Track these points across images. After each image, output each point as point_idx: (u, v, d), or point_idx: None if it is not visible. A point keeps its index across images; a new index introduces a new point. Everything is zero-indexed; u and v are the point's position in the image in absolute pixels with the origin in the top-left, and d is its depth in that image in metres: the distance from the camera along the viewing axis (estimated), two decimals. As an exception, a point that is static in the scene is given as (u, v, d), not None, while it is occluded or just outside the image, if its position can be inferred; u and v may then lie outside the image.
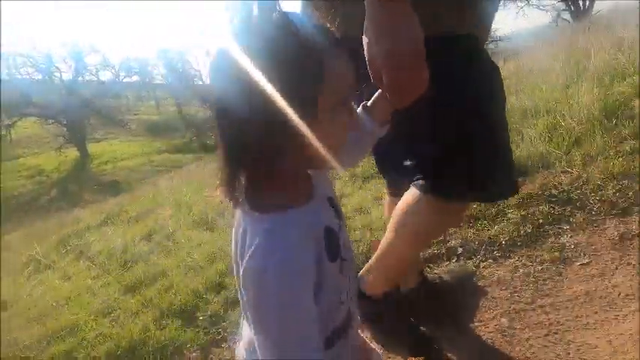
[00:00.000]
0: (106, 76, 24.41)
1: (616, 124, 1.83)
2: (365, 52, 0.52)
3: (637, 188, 1.38)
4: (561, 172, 1.66)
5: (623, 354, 0.86)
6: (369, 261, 0.93)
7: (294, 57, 0.39)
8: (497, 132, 0.73)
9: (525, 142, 2.01)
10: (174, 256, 2.64)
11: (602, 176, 1.49)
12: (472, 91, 0.67)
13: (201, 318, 1.64)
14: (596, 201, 1.38)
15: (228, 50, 0.40)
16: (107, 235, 4.01)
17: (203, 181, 7.20)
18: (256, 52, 0.39)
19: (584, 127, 1.93)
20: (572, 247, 1.26)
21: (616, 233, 1.23)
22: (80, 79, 21.88)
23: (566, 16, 22.06)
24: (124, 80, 25.87)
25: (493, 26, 0.85)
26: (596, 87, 2.32)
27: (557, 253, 1.24)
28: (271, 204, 0.44)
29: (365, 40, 0.51)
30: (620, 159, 1.54)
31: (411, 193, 0.77)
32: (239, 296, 0.48)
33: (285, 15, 0.40)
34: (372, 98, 0.57)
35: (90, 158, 19.47)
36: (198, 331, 1.55)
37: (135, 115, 26.85)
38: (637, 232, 1.22)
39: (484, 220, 1.55)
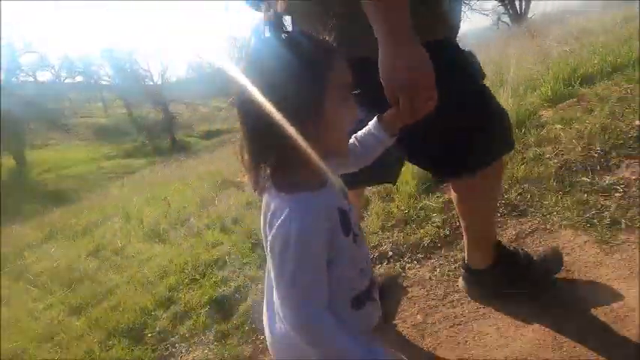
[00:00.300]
0: (44, 76, 22.58)
1: (524, 133, 2.08)
2: (382, 78, 0.61)
3: (536, 192, 1.61)
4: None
5: (507, 338, 1.04)
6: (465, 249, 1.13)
7: (306, 60, 0.50)
8: (491, 102, 0.91)
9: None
10: (123, 272, 2.59)
11: (509, 181, 1.71)
12: (468, 80, 0.84)
13: (149, 335, 1.66)
14: (501, 204, 1.59)
15: (258, 54, 0.51)
16: (50, 252, 3.80)
17: (157, 187, 6.97)
18: (276, 58, 0.50)
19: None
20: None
21: (514, 232, 1.44)
22: (14, 79, 20.07)
23: (506, 19, 23.65)
24: (66, 81, 24.10)
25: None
26: (511, 97, 2.61)
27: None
28: (293, 187, 0.55)
29: (381, 67, 0.61)
30: (524, 165, 1.77)
31: (459, 184, 0.98)
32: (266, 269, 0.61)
33: (295, 29, 0.52)
34: (386, 113, 0.66)
35: (29, 167, 17.95)
36: (146, 349, 1.57)
37: (81, 118, 25.09)
38: (531, 230, 1.43)
39: (412, 224, 1.72)
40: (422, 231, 1.64)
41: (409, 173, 2.17)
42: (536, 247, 1.36)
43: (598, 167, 1.59)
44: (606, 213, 1.34)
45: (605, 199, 1.41)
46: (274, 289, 0.56)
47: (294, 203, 0.53)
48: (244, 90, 0.52)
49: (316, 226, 0.54)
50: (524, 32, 8.32)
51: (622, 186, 1.45)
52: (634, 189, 1.41)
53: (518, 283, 1.11)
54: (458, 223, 1.60)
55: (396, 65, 0.60)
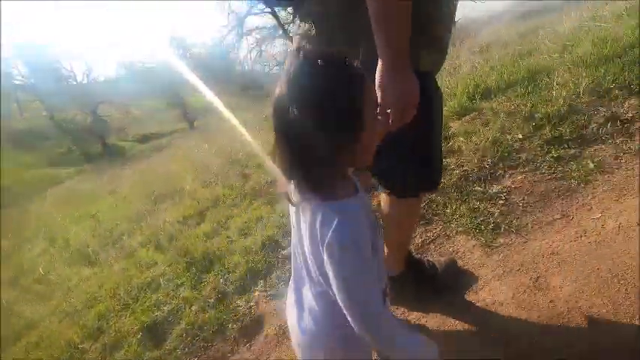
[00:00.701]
0: (-61, 75, 19.51)
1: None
2: (380, 91, 0.75)
3: (440, 201, 1.84)
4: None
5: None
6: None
7: (347, 81, 0.58)
8: (437, 146, 1.04)
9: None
10: (46, 302, 2.43)
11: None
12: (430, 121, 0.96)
13: (75, 371, 1.62)
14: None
15: (301, 77, 0.57)
16: (-44, 285, 3.39)
17: (85, 201, 6.45)
18: (319, 80, 0.57)
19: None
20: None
21: (420, 240, 1.65)
22: None
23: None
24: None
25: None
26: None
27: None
28: (336, 195, 0.62)
29: (381, 84, 0.75)
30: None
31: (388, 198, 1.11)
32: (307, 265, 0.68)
33: (331, 55, 0.59)
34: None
35: None
36: (72, 387, 1.53)
37: (-11, 122, 22.07)
38: (434, 237, 1.65)
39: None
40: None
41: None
42: (438, 252, 1.57)
43: (489, 177, 1.87)
44: (491, 219, 1.60)
45: (492, 207, 1.67)
46: (337, 293, 0.61)
47: (341, 211, 0.61)
48: (290, 110, 0.56)
49: (362, 228, 0.62)
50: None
51: (505, 194, 1.72)
52: (513, 196, 1.69)
53: (424, 288, 1.29)
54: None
55: (395, 86, 0.75)
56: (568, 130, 1.91)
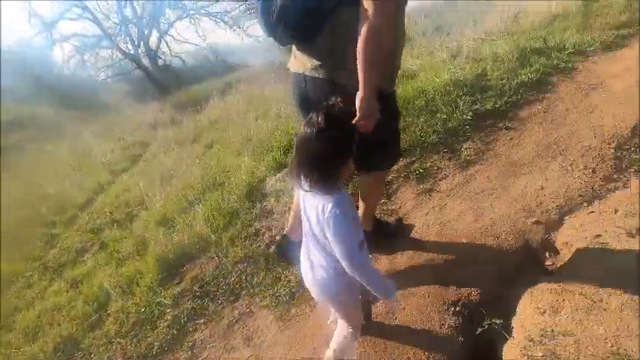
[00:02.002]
0: None
1: (253, 203, 2.49)
2: (360, 108, 1.12)
3: (250, 271, 1.96)
4: (210, 258, 2.12)
5: None
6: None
7: (348, 131, 1.01)
8: (399, 138, 1.62)
9: (189, 226, 2.41)
10: None
11: (231, 262, 2.02)
12: (395, 123, 1.51)
13: None
14: (221, 289, 1.86)
15: (327, 127, 0.94)
16: None
17: None
18: (336, 130, 0.96)
19: (239, 205, 2.52)
20: (201, 342, 1.67)
21: (227, 322, 1.73)
22: None
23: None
24: None
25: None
26: (248, 157, 3.05)
27: (189, 353, 1.61)
28: (334, 190, 0.99)
29: (361, 103, 1.12)
30: (246, 242, 2.13)
31: (369, 175, 1.60)
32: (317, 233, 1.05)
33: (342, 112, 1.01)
34: None
35: None
36: None
37: None
38: (241, 314, 1.75)
39: (147, 324, 1.77)
40: (153, 334, 1.71)
41: (152, 259, 2.20)
42: (242, 334, 1.68)
43: (291, 241, 2.10)
44: (287, 289, 1.80)
45: (291, 274, 1.89)
46: (335, 249, 1.00)
47: (336, 199, 0.98)
48: (316, 144, 0.95)
49: (348, 208, 1.00)
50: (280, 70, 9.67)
51: (302, 259, 1.97)
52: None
53: (386, 238, 1.86)
54: (185, 320, 1.76)
55: (369, 108, 1.12)
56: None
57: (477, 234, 1.82)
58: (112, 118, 9.83)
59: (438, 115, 2.78)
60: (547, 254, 1.67)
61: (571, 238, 1.65)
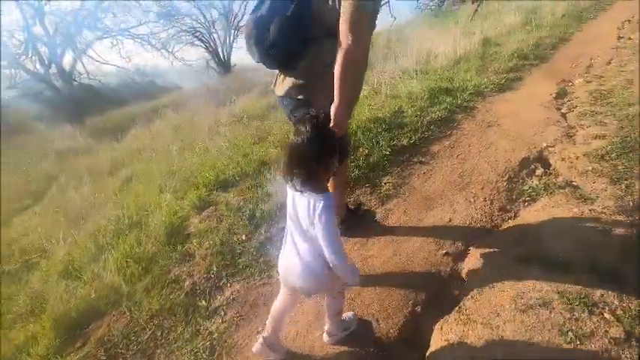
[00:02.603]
0: None
1: (174, 245, 2.32)
2: (333, 120, 1.37)
3: (166, 325, 1.80)
4: (121, 313, 1.91)
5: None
6: None
7: (333, 137, 1.25)
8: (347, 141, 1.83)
9: (98, 276, 2.16)
10: None
11: (153, 312, 1.84)
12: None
13: None
14: (136, 351, 1.68)
15: (315, 135, 1.15)
16: None
17: None
18: (322, 138, 1.18)
19: (157, 249, 2.33)
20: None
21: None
22: None
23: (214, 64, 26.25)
24: None
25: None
26: (170, 193, 2.88)
27: None
28: (322, 189, 1.20)
29: (335, 116, 1.38)
30: (164, 291, 1.97)
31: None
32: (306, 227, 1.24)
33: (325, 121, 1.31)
34: None
35: None
36: None
37: None
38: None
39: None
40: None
41: (49, 320, 1.92)
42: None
43: (214, 288, 2.00)
44: (208, 343, 1.69)
45: (213, 325, 1.78)
46: (322, 241, 1.19)
47: (324, 198, 1.18)
48: (304, 149, 1.16)
49: (333, 207, 1.20)
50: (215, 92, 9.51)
51: (224, 307, 1.87)
52: (230, 311, 1.85)
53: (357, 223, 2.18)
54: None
55: (342, 117, 1.38)
56: (276, 231, 2.31)
57: (395, 268, 1.91)
58: (15, 144, 8.62)
59: (361, 150, 2.93)
60: (456, 285, 1.82)
61: (474, 267, 1.82)
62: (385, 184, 2.60)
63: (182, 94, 12.75)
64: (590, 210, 2.01)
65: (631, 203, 2.00)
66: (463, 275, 1.83)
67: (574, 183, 2.28)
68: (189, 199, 2.74)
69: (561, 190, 2.22)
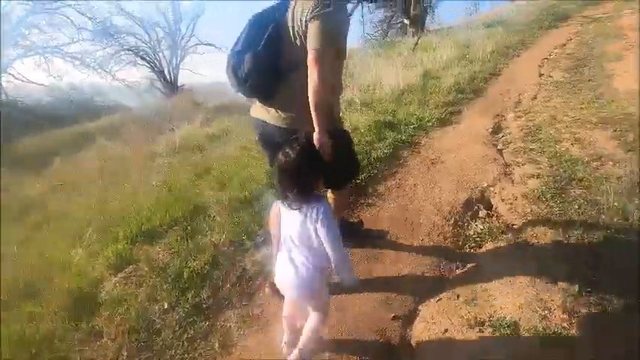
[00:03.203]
0: None
1: (79, 319, 1.91)
2: (320, 145, 1.49)
3: None
4: None
5: None
6: None
7: (319, 155, 1.45)
8: (347, 165, 1.86)
9: None
10: None
11: None
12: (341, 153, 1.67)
13: None
14: None
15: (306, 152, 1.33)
16: None
17: None
18: (310, 156, 1.36)
19: (56, 327, 1.90)
20: None
21: None
22: None
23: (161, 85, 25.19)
24: None
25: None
26: (84, 247, 2.44)
27: None
28: (313, 199, 1.32)
29: (318, 142, 1.50)
30: None
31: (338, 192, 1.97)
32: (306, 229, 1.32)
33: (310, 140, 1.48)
34: None
35: None
36: None
37: None
38: None
39: None
40: None
41: None
42: None
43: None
44: None
45: None
46: (328, 245, 1.29)
47: (319, 205, 1.31)
48: (296, 165, 1.29)
49: (330, 210, 1.33)
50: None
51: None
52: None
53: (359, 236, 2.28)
54: None
55: (324, 143, 1.50)
56: (206, 295, 2.00)
57: (342, 336, 1.70)
58: None
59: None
60: (406, 353, 1.65)
61: (423, 334, 1.67)
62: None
63: (120, 118, 11.82)
64: (532, 257, 1.98)
65: (570, 250, 2.01)
66: (413, 344, 1.67)
67: (515, 226, 2.28)
68: (104, 256, 2.33)
69: (504, 236, 2.19)
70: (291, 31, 1.53)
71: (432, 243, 2.27)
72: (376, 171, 3.09)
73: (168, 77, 26.76)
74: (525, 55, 7.76)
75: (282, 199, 1.34)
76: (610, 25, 8.99)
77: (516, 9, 13.10)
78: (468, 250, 2.20)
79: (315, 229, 1.28)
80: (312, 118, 1.49)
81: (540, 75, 6.07)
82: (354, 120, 4.05)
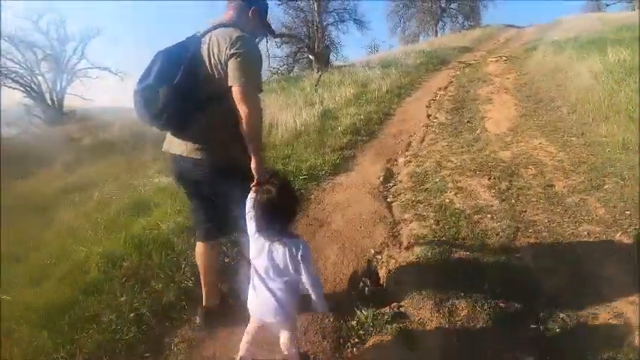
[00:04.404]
0: None
1: None
2: (256, 172, 1.55)
3: None
4: None
5: None
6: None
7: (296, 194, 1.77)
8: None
9: None
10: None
11: None
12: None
13: None
14: None
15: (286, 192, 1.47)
16: None
17: None
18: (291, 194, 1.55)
19: None
20: None
21: None
22: None
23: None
24: None
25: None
26: None
27: None
28: (293, 235, 1.50)
29: (254, 171, 1.55)
30: None
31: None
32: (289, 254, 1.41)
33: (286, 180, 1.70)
34: None
35: None
36: None
37: None
38: None
39: None
40: None
41: None
42: None
43: None
44: None
45: None
46: (307, 277, 1.43)
47: (302, 242, 1.45)
48: (275, 204, 1.40)
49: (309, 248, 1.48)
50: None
51: None
52: None
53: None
54: None
55: (261, 172, 1.54)
56: None
57: None
58: None
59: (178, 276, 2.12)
60: None
61: None
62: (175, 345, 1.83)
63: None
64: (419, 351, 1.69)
65: (455, 341, 1.77)
66: None
67: (402, 309, 2.00)
68: None
69: (389, 326, 1.88)
70: (208, 65, 1.58)
71: (310, 341, 1.85)
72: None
73: (50, 102, 23.42)
74: (415, 95, 8.37)
75: (262, 232, 1.43)
76: (480, 71, 10.39)
77: (405, 53, 14.49)
78: (349, 350, 1.82)
79: (294, 262, 1.41)
80: (231, 149, 1.59)
81: (428, 116, 6.47)
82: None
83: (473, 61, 12.19)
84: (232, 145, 1.57)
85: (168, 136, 1.71)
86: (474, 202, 3.10)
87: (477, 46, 17.13)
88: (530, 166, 3.73)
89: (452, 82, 9.39)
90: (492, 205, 3.02)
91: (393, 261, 2.37)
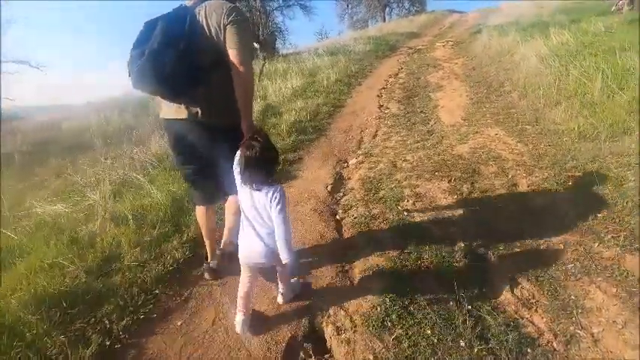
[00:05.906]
0: None
1: None
2: (248, 129, 1.72)
3: None
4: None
5: None
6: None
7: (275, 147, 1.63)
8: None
9: None
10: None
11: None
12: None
13: None
14: None
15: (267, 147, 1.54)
16: None
17: None
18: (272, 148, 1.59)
19: None
20: None
21: None
22: None
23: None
24: None
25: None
26: None
27: None
28: (274, 182, 1.57)
29: (246, 127, 1.71)
30: None
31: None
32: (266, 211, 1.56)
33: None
34: None
35: None
36: None
37: None
38: None
39: None
40: None
41: None
42: None
43: None
44: None
45: None
46: (278, 223, 1.53)
47: (279, 188, 1.55)
48: (261, 157, 1.49)
49: (285, 195, 1.58)
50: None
51: None
52: None
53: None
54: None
55: (251, 129, 1.68)
56: None
57: None
58: None
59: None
60: None
61: None
62: None
63: None
64: None
65: None
66: None
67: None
68: None
69: None
70: (208, 33, 1.68)
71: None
72: (148, 309, 1.93)
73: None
74: (365, 83, 7.90)
75: (248, 184, 1.54)
76: (429, 56, 10.18)
77: (354, 39, 14.02)
78: None
79: (272, 207, 1.54)
80: (230, 110, 1.71)
81: (380, 107, 6.02)
82: (146, 200, 2.82)
83: (421, 47, 12.00)
84: (231, 107, 1.70)
85: (166, 103, 1.79)
86: (434, 212, 2.65)
87: (424, 31, 17.11)
88: (491, 162, 3.38)
89: (402, 68, 9.06)
90: (455, 214, 2.60)
91: (342, 314, 1.81)
